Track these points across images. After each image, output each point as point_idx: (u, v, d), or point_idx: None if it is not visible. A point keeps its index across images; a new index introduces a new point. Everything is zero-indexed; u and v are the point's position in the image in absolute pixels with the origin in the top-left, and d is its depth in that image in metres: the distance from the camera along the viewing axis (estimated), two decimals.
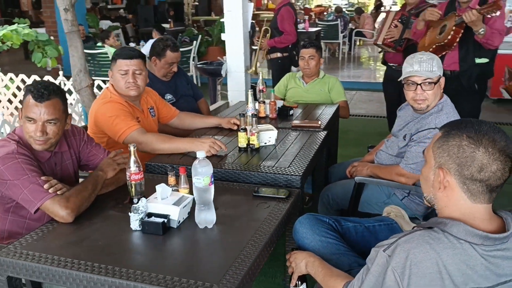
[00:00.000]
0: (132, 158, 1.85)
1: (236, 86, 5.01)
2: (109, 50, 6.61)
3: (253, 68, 4.75)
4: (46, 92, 1.85)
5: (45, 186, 1.79)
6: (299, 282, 1.68)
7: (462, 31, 3.18)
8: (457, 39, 3.23)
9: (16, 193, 1.80)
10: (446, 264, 1.17)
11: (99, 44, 7.03)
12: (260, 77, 3.17)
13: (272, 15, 5.24)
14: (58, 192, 1.80)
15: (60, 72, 5.40)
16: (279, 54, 4.76)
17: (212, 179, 1.70)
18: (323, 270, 1.56)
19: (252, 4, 5.16)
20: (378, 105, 6.66)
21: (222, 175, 2.21)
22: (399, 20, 4.13)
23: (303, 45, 3.74)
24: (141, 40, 7.93)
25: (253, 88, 5.25)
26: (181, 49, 3.50)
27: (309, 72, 3.66)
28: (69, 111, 2.04)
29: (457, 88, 3.33)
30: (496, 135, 1.20)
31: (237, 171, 2.20)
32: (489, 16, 3.04)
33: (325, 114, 3.20)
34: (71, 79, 3.90)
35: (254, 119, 2.41)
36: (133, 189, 1.88)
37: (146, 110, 2.73)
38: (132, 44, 7.84)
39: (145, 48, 7.15)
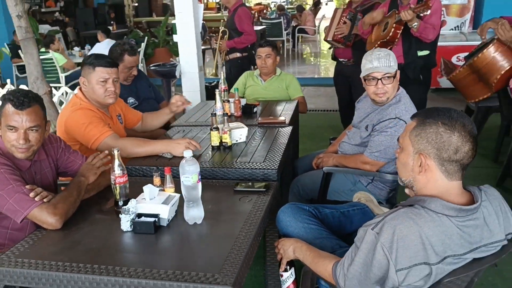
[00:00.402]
0: (116, 162, 1.89)
1: (190, 86, 5.05)
2: (54, 56, 6.43)
3: (214, 71, 4.82)
4: (26, 100, 1.86)
5: (31, 194, 1.80)
6: (288, 267, 1.79)
7: (402, 27, 3.46)
8: (398, 35, 3.51)
9: (1, 204, 1.79)
10: (428, 236, 1.33)
11: (42, 50, 6.81)
12: (222, 77, 3.26)
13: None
14: (44, 200, 1.81)
15: None
16: (238, 54, 4.83)
17: (200, 177, 1.78)
18: (311, 254, 1.68)
19: (202, 6, 5.22)
20: (326, 99, 6.92)
21: (200, 173, 2.27)
22: (347, 17, 4.35)
23: (260, 44, 3.86)
24: (86, 44, 7.74)
25: (207, 87, 5.34)
26: None
27: (267, 70, 3.78)
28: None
29: (404, 80, 3.59)
30: (464, 120, 1.37)
31: (215, 168, 2.28)
32: (421, 14, 3.34)
33: (287, 110, 3.34)
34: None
35: (225, 117, 2.50)
36: (118, 192, 1.92)
37: (115, 117, 2.75)
38: (76, 49, 7.65)
39: (92, 52, 7.00)
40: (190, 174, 1.74)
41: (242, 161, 2.35)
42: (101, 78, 2.51)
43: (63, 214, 1.80)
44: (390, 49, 3.62)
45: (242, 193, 2.03)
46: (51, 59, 6.44)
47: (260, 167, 2.25)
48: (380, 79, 2.43)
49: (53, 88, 4.18)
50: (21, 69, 7.41)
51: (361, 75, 2.52)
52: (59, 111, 3.53)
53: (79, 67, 6.80)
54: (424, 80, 3.74)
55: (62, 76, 6.52)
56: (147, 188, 1.82)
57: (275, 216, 2.07)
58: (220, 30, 4.77)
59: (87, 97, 2.57)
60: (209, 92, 5.46)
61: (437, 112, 1.40)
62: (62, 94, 4.75)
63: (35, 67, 3.35)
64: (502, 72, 2.73)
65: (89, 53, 7.04)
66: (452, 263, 1.36)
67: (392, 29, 3.48)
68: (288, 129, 2.85)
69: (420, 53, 3.62)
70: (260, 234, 1.79)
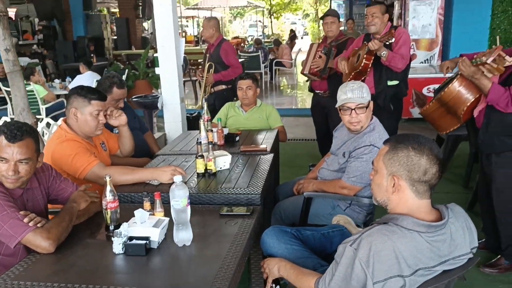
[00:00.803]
0: (108, 188, 1.98)
1: (172, 117, 5.17)
2: (35, 88, 6.47)
3: (200, 103, 4.96)
4: (19, 133, 1.94)
5: (25, 220, 1.87)
6: (274, 285, 1.90)
7: (373, 57, 3.74)
8: (369, 65, 3.79)
9: None
10: (401, 250, 1.46)
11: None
12: (205, 108, 3.39)
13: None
14: (38, 225, 1.88)
15: None
16: (224, 87, 4.97)
17: (189, 201, 1.89)
18: (294, 271, 1.80)
19: (183, 40, 5.40)
20: (304, 129, 7.12)
21: None
22: (322, 51, 4.59)
23: (241, 76, 4.04)
24: (67, 76, 7.82)
25: (188, 118, 5.46)
26: None
27: (248, 101, 3.95)
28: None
29: (376, 110, 3.79)
30: (431, 145, 1.53)
31: (200, 194, 2.39)
32: (387, 43, 3.66)
33: (268, 138, 3.49)
34: None
35: (210, 146, 2.62)
36: (109, 217, 2.00)
37: (99, 145, 2.84)
38: (57, 81, 7.71)
39: (73, 84, 7.08)
40: (180, 198, 1.84)
41: (226, 187, 2.47)
42: (96, 111, 2.62)
43: (56, 239, 1.87)
44: (363, 80, 3.86)
45: (227, 217, 2.14)
46: (32, 91, 6.48)
47: (244, 192, 2.37)
48: (354, 109, 2.61)
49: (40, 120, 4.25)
50: (1, 101, 7.42)
51: (337, 105, 2.69)
52: (44, 142, 3.60)
53: (60, 99, 6.91)
54: (394, 109, 4.00)
55: (42, 107, 6.56)
56: (138, 212, 1.91)
57: (259, 239, 2.18)
58: (207, 65, 4.92)
59: (72, 128, 2.66)
60: (190, 123, 5.59)
61: (407, 138, 1.56)
62: (45, 125, 4.79)
63: (21, 98, 3.43)
64: (468, 104, 2.93)
65: (70, 85, 7.14)
66: (424, 275, 1.49)
67: (364, 60, 3.76)
68: (270, 156, 2.99)
69: (390, 83, 3.89)
70: (246, 254, 1.89)
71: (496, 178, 2.85)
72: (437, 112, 3.17)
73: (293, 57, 12.05)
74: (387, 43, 3.68)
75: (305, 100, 10.14)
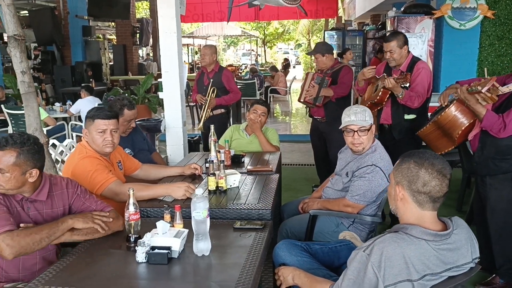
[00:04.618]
0: (131, 200, 2.10)
1: (174, 140, 5.31)
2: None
3: (201, 125, 5.12)
4: (4, 144, 2.04)
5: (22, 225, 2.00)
6: None
7: (390, 92, 3.76)
8: (385, 100, 3.82)
9: None
10: (410, 257, 1.59)
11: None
12: (212, 130, 3.52)
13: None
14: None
15: None
16: (223, 110, 5.21)
17: (209, 212, 2.01)
18: (309, 280, 1.91)
19: (186, 66, 5.60)
20: (300, 155, 7.28)
21: None
22: (315, 81, 4.79)
23: (258, 101, 4.25)
24: (67, 100, 7.95)
25: (190, 141, 5.60)
26: None
27: (256, 126, 4.10)
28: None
29: (393, 139, 3.90)
30: (435, 160, 1.68)
31: (214, 209, 2.51)
32: (402, 86, 3.65)
33: (273, 160, 3.64)
34: None
35: (221, 164, 2.76)
36: (131, 229, 2.11)
37: (115, 164, 2.96)
38: (57, 104, 7.83)
39: (74, 108, 7.22)
40: (200, 209, 1.97)
41: (237, 202, 2.60)
42: (99, 129, 2.75)
43: (18, 247, 1.93)
44: (380, 109, 3.92)
45: (241, 230, 2.26)
46: None
47: (256, 207, 2.50)
48: (356, 131, 2.77)
49: None
50: (1, 123, 7.51)
51: (340, 127, 2.86)
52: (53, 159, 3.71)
53: (60, 122, 7.02)
54: (411, 141, 3.82)
55: (44, 130, 6.65)
56: (160, 223, 2.03)
57: (270, 252, 2.30)
58: (210, 89, 5.11)
59: (91, 146, 2.79)
60: (191, 146, 5.73)
61: (414, 153, 1.72)
62: (51, 146, 4.90)
63: (34, 119, 3.55)
64: (463, 128, 3.12)
65: (71, 109, 7.26)
66: (431, 280, 1.62)
67: (380, 93, 3.78)
68: (276, 176, 3.13)
69: (407, 117, 3.85)
70: (262, 263, 2.01)
71: (491, 199, 3.00)
72: (433, 134, 3.35)
73: (288, 84, 12.31)
74: (402, 86, 3.65)
75: (300, 126, 10.35)
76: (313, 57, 5.09)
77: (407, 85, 3.66)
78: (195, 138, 5.90)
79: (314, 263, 2.18)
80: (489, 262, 3.19)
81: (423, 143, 3.73)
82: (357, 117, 2.78)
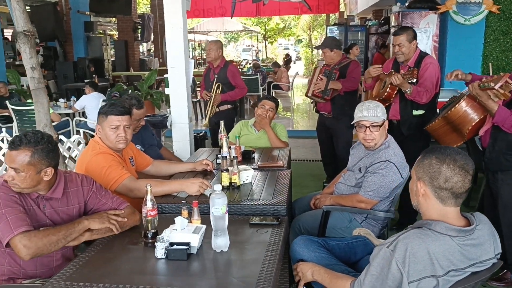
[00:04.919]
0: (149, 196, 2.10)
1: (180, 136, 5.29)
2: None
3: (206, 122, 5.11)
4: (18, 143, 2.03)
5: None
6: None
7: (397, 88, 3.72)
8: (393, 96, 3.78)
9: None
10: (434, 252, 1.59)
11: (29, 100, 6.96)
12: (222, 126, 3.51)
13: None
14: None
15: None
16: (229, 106, 5.18)
17: (227, 209, 2.01)
18: (329, 275, 1.91)
19: (193, 61, 5.57)
20: (305, 150, 7.28)
21: None
22: (323, 74, 4.78)
23: (266, 96, 4.23)
24: (71, 96, 7.93)
25: (196, 137, 5.60)
26: None
27: (264, 121, 4.09)
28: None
29: (402, 135, 3.87)
30: (457, 156, 1.67)
31: (229, 205, 2.48)
32: (409, 82, 3.61)
33: (283, 155, 3.63)
34: None
35: (235, 160, 2.76)
36: (149, 225, 2.11)
37: (128, 160, 2.96)
38: (61, 100, 7.81)
39: (79, 103, 7.20)
40: (219, 205, 1.97)
41: (251, 198, 2.60)
42: (112, 125, 2.74)
43: (34, 248, 1.93)
44: (389, 105, 3.84)
45: (257, 226, 2.26)
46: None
47: (271, 203, 2.50)
48: (368, 127, 2.77)
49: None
50: (4, 119, 7.48)
51: (352, 122, 2.85)
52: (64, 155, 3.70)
53: (65, 118, 7.01)
54: (422, 136, 3.79)
55: None
56: (179, 219, 2.03)
57: (286, 248, 2.30)
58: (215, 85, 5.09)
59: (105, 143, 2.78)
60: (197, 142, 5.72)
61: (436, 149, 1.71)
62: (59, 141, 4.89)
63: (44, 115, 3.54)
64: (473, 123, 3.12)
65: (76, 105, 7.25)
66: (455, 275, 1.62)
67: (388, 89, 3.75)
68: (288, 172, 3.13)
69: (415, 113, 3.80)
70: (281, 259, 2.00)
71: (503, 194, 3.01)
72: (442, 129, 3.34)
73: (290, 80, 12.29)
74: (409, 82, 3.62)
75: (302, 122, 10.34)
76: (320, 52, 5.06)
77: (414, 80, 3.64)
78: (200, 134, 5.88)
79: (332, 259, 2.18)
80: (499, 257, 3.19)
81: (432, 139, 3.72)
82: (369, 112, 2.77)
